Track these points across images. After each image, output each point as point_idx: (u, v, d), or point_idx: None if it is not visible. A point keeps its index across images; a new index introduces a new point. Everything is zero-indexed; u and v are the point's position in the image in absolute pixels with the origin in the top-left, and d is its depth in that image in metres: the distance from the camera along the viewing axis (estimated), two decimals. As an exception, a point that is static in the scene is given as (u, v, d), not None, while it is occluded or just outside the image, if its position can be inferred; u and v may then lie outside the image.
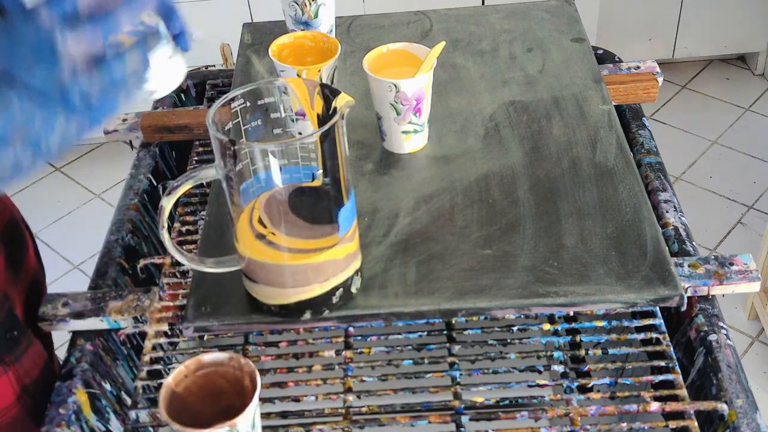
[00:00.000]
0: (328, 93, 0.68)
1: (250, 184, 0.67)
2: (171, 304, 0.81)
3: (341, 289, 0.74)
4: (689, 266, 0.80)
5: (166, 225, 0.68)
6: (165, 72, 0.64)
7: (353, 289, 0.75)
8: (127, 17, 0.53)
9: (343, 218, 0.70)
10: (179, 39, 0.63)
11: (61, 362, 0.80)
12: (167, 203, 0.66)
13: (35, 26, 0.50)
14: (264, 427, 0.71)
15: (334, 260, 0.71)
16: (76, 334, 0.81)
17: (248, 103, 0.69)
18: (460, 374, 0.74)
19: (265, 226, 0.69)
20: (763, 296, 1.87)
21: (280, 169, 0.66)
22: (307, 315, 0.74)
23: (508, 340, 0.77)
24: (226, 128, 0.68)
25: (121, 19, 0.52)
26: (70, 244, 2.23)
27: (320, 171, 0.67)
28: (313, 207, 0.70)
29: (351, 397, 0.74)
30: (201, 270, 0.73)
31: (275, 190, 0.67)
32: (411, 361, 0.76)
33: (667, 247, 0.79)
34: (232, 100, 0.68)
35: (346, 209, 0.70)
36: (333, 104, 0.67)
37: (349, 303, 0.75)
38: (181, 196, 0.66)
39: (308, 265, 0.70)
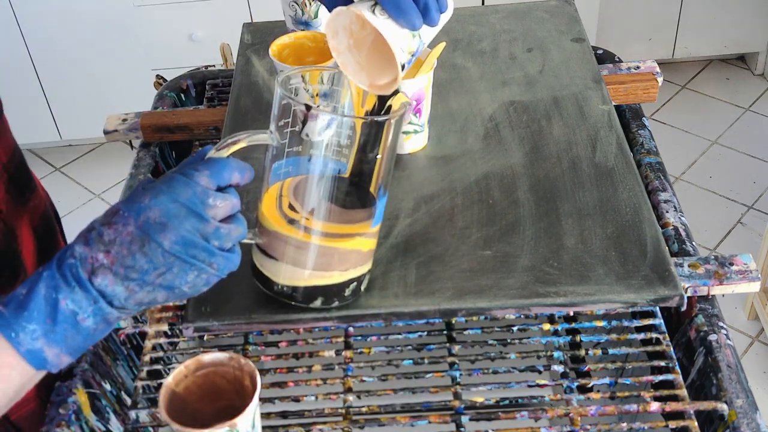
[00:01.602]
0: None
1: (280, 165, 0.68)
2: (171, 304, 0.81)
3: (355, 284, 0.74)
4: (689, 266, 0.80)
5: None
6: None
7: (362, 288, 0.75)
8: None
9: (379, 210, 0.71)
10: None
11: None
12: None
13: (193, 189, 0.59)
14: (264, 427, 0.71)
15: (359, 251, 0.72)
16: (76, 334, 0.81)
17: (303, 84, 0.70)
18: (460, 374, 0.75)
19: (296, 212, 0.69)
20: (763, 296, 1.87)
21: (309, 159, 0.67)
22: (318, 303, 0.73)
23: (508, 340, 0.77)
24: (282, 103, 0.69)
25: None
26: (70, 244, 2.23)
27: (348, 167, 0.68)
28: (353, 195, 0.71)
29: (351, 397, 0.74)
30: None
31: (306, 178, 0.68)
32: (411, 361, 0.77)
33: (667, 247, 0.79)
34: (296, 75, 0.70)
35: (382, 203, 0.71)
36: (388, 102, 0.68)
37: (352, 302, 0.75)
38: None
39: (335, 250, 0.70)
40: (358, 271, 0.73)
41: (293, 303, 0.74)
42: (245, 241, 0.69)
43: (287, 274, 0.72)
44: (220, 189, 0.61)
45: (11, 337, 0.56)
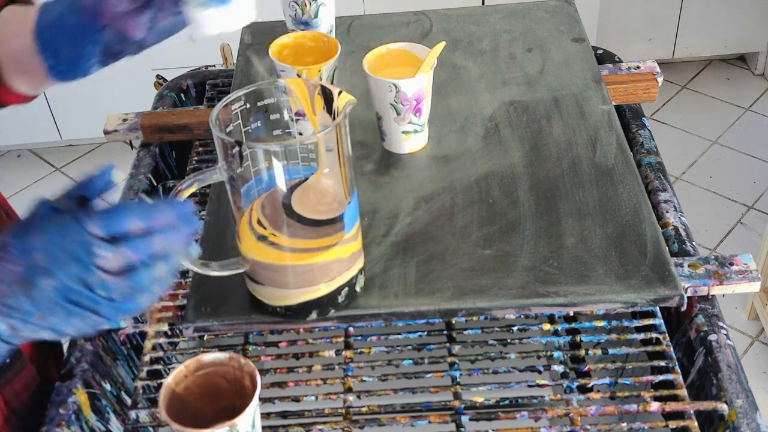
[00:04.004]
0: (329, 93, 0.68)
1: (251, 186, 0.67)
2: (171, 304, 0.81)
3: (347, 288, 0.74)
4: (689, 266, 0.80)
5: None
6: (239, 8, 0.65)
7: (357, 288, 0.75)
8: (162, 246, 0.58)
9: (348, 217, 0.70)
10: None
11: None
12: None
13: (81, 236, 0.56)
14: (264, 427, 0.71)
15: (339, 259, 0.71)
16: (76, 334, 0.81)
17: (248, 105, 0.69)
18: (460, 374, 0.74)
19: (264, 228, 0.69)
20: (763, 296, 1.87)
21: (269, 176, 0.66)
22: (314, 315, 0.74)
23: (508, 340, 0.77)
24: (228, 130, 0.68)
25: (157, 246, 0.58)
26: (70, 244, 2.23)
27: (326, 171, 0.67)
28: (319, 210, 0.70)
29: (351, 397, 0.74)
30: (206, 274, 0.73)
31: (273, 191, 0.67)
32: (411, 361, 0.76)
33: (667, 247, 0.79)
34: (233, 101, 0.68)
35: (350, 208, 0.70)
36: (335, 104, 0.67)
37: (351, 302, 0.75)
38: None
39: (315, 265, 0.70)
40: (346, 277, 0.73)
41: (290, 320, 0.74)
42: (228, 273, 0.70)
43: (275, 296, 0.73)
44: (119, 238, 0.57)
45: None
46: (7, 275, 0.56)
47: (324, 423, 0.72)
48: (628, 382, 0.74)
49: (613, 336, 0.77)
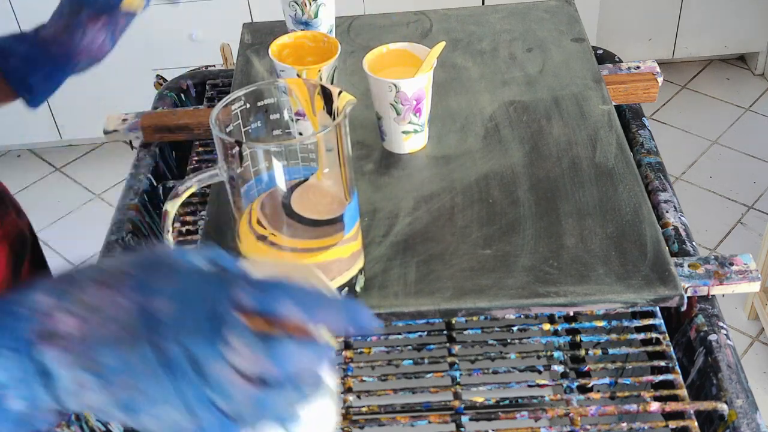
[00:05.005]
0: (329, 93, 0.68)
1: (251, 186, 0.67)
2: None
3: (347, 288, 0.74)
4: (689, 266, 0.80)
5: (171, 229, 0.68)
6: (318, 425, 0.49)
7: (358, 288, 0.75)
8: (309, 367, 0.42)
9: (348, 217, 0.70)
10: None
11: None
12: (171, 208, 0.66)
13: (220, 301, 0.41)
14: (264, 427, 0.71)
15: (339, 259, 0.71)
16: (76, 334, 0.81)
17: (248, 105, 0.69)
18: (460, 374, 0.75)
19: (264, 228, 0.69)
20: (763, 296, 1.87)
21: (269, 176, 0.66)
22: None
23: (508, 340, 0.77)
24: (228, 130, 0.68)
25: (304, 364, 0.42)
26: (70, 244, 2.24)
27: (326, 171, 0.67)
28: (319, 209, 0.70)
29: (351, 397, 0.74)
30: None
31: (272, 191, 0.67)
32: (411, 361, 0.77)
33: (667, 247, 0.79)
34: (233, 101, 0.68)
35: (350, 208, 0.70)
36: (335, 104, 0.67)
37: (349, 303, 0.75)
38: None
39: (314, 265, 0.70)
40: (346, 277, 0.73)
41: None
42: None
43: None
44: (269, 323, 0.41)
45: None
46: (112, 308, 0.40)
47: (324, 423, 0.72)
48: (628, 382, 0.74)
49: (613, 336, 0.77)
